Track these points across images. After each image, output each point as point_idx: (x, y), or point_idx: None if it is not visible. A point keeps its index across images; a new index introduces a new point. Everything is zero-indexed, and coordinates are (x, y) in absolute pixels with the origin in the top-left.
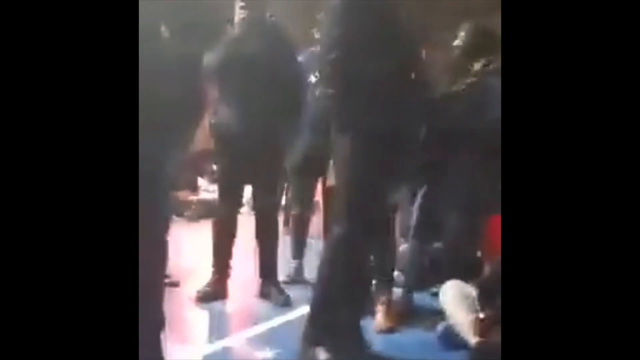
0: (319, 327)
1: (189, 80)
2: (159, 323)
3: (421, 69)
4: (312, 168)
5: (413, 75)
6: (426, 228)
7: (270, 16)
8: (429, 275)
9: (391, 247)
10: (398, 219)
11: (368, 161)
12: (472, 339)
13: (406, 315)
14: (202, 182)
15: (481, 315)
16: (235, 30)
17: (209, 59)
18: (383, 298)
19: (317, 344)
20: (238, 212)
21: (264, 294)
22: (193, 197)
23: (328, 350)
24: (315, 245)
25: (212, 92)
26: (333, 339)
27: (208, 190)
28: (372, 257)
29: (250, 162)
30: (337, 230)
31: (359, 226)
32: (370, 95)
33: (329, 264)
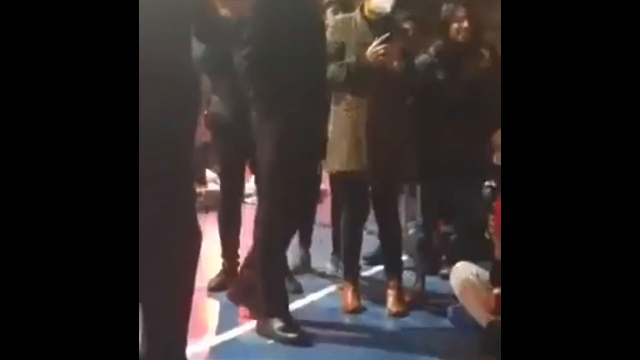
0: (241, 289)
1: (186, 69)
2: (188, 315)
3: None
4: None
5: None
6: (431, 212)
7: None
8: (439, 258)
9: (397, 232)
10: (403, 204)
11: (285, 143)
12: (485, 318)
13: (419, 300)
14: (210, 174)
15: (496, 291)
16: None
17: (196, 47)
18: (392, 283)
19: (241, 304)
20: (241, 201)
21: None
22: (201, 189)
23: (251, 308)
24: (323, 233)
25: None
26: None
27: (216, 182)
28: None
29: (248, 151)
30: (262, 213)
31: (281, 206)
32: (284, 85)
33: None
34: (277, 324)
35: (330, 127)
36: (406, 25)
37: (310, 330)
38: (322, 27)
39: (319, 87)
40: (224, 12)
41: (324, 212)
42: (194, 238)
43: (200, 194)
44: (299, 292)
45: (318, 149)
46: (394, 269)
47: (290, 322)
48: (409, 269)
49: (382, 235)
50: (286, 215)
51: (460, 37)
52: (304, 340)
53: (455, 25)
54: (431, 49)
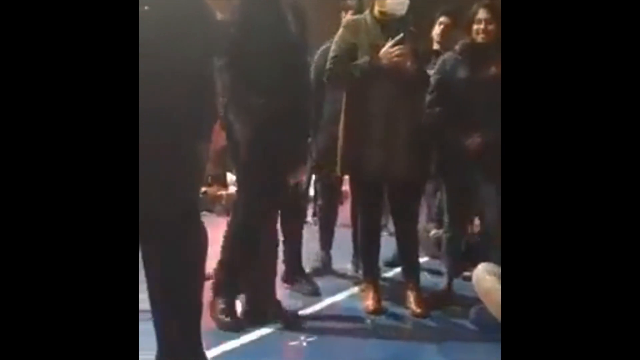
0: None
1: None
2: (199, 310)
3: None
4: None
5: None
6: (460, 215)
7: None
8: (465, 261)
9: (413, 234)
10: (424, 205)
11: (262, 146)
12: None
13: (441, 302)
14: (231, 177)
15: None
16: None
17: None
18: (410, 284)
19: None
20: None
21: (290, 283)
22: (222, 192)
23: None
24: (344, 235)
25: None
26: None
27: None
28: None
29: None
30: (237, 215)
31: (257, 207)
32: (260, 90)
33: (230, 248)
34: (220, 305)
35: (341, 129)
36: (442, 20)
37: (332, 331)
38: (303, 30)
39: (300, 91)
40: (219, 16)
41: (344, 213)
42: (200, 237)
43: (221, 197)
44: (317, 294)
45: (303, 152)
46: (411, 271)
47: (232, 307)
48: (429, 270)
49: (398, 236)
50: (258, 226)
51: (479, 38)
52: (236, 326)
53: (475, 26)
54: (457, 47)
